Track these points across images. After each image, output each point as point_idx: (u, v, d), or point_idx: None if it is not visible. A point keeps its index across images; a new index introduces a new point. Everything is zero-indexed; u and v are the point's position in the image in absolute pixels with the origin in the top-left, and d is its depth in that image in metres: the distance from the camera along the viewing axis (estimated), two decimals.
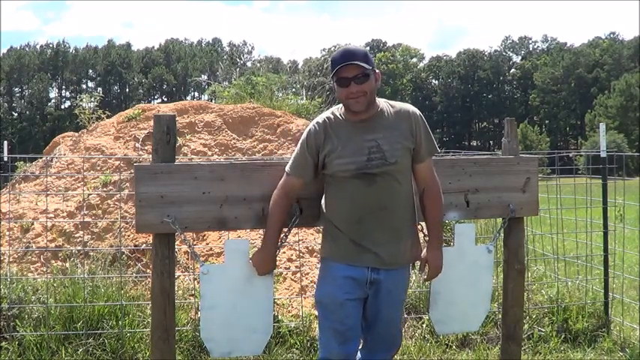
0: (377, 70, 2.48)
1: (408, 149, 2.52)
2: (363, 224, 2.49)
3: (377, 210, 2.48)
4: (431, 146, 2.59)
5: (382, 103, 2.56)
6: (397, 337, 2.70)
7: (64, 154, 6.20)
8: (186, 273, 4.62)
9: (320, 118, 2.58)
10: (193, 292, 4.31)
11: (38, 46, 73.43)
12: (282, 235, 2.67)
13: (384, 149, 2.46)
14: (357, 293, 2.53)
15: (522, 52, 77.86)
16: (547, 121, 68.88)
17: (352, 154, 2.46)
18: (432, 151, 2.60)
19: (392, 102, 2.61)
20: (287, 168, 2.59)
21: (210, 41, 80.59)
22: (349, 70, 2.40)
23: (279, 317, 4.16)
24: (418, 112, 2.59)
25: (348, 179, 2.48)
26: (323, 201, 2.62)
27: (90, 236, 5.11)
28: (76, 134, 6.90)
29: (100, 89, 62.80)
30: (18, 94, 70.32)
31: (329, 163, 2.50)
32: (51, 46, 73.26)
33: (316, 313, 4.08)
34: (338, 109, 2.56)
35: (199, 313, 3.08)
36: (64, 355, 3.76)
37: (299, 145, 2.57)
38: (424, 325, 4.31)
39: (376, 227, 2.49)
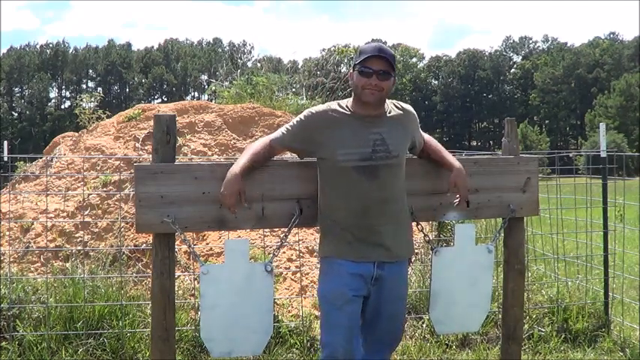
0: (395, 77, 2.56)
1: (406, 146, 2.65)
2: (368, 218, 2.52)
3: (380, 202, 2.52)
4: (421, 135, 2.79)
5: (387, 101, 2.63)
6: (399, 332, 2.74)
7: (64, 154, 6.20)
8: (186, 273, 4.62)
9: (322, 107, 2.60)
10: (193, 292, 4.32)
11: (38, 46, 73.46)
12: (282, 235, 2.67)
13: (388, 143, 2.53)
14: (361, 291, 2.55)
15: (523, 52, 77.80)
16: (547, 121, 68.85)
17: (357, 146, 2.50)
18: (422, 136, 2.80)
19: (395, 101, 2.69)
20: (274, 135, 2.63)
21: (211, 41, 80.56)
22: (377, 63, 2.47)
23: (279, 317, 4.16)
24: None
25: (349, 174, 2.49)
26: (321, 201, 2.62)
27: (90, 236, 5.11)
28: (76, 134, 6.89)
29: (100, 89, 62.71)
30: (18, 94, 70.28)
31: (329, 153, 2.51)
32: (51, 46, 73.25)
33: (316, 313, 4.10)
34: (344, 102, 2.60)
35: (199, 313, 3.08)
36: (64, 355, 3.77)
37: (296, 120, 2.60)
38: (424, 325, 4.31)
39: (381, 220, 2.53)
